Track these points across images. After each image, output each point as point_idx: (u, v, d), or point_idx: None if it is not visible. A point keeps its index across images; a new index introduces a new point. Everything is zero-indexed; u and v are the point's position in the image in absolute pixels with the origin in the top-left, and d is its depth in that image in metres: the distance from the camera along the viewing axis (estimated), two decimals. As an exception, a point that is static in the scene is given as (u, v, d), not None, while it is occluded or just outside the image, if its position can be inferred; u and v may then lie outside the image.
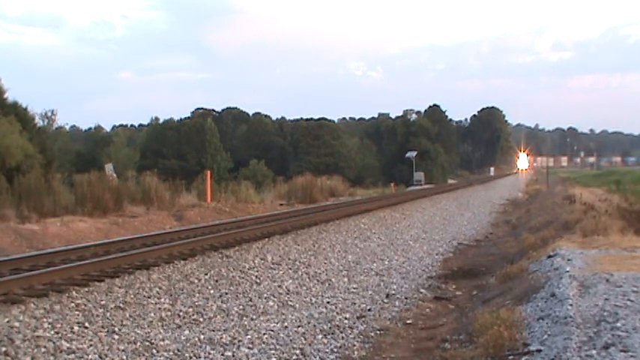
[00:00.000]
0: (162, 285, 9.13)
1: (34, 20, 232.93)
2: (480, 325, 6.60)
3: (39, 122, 41.33)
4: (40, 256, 10.48)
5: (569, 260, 9.37)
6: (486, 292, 9.94)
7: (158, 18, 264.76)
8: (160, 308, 8.10)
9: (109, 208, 19.02)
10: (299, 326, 7.84)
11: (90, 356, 6.23)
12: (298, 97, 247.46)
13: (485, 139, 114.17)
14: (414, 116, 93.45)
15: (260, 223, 16.29)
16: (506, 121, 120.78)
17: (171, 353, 6.57)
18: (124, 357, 6.36)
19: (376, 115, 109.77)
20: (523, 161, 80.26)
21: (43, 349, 6.20)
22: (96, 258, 10.20)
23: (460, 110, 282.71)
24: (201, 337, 7.17)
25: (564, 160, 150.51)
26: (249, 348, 6.90)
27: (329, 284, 10.55)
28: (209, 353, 6.68)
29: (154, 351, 6.58)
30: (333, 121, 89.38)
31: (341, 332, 7.74)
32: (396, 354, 7.11)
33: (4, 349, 6.08)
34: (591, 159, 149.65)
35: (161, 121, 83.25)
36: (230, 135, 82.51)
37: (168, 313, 7.95)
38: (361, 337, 7.65)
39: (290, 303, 9.09)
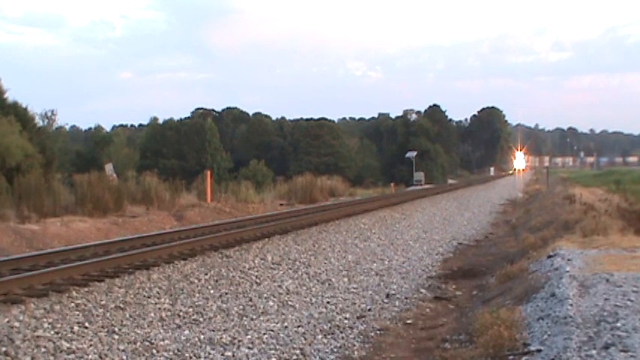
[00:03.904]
0: (162, 285, 9.13)
1: (33, 20, 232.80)
2: (479, 325, 6.60)
3: (39, 122, 41.41)
4: (40, 256, 10.48)
5: (569, 260, 9.37)
6: (486, 292, 9.95)
7: (158, 18, 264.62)
8: (160, 308, 8.10)
9: (109, 208, 19.02)
10: (299, 326, 7.84)
11: (90, 356, 6.23)
12: (298, 97, 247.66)
13: (485, 139, 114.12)
14: (414, 116, 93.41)
15: (260, 223, 16.29)
16: (506, 121, 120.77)
17: (171, 353, 6.57)
18: (124, 357, 6.36)
19: (376, 115, 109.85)
20: (520, 161, 79.55)
21: (43, 349, 6.20)
22: (96, 258, 10.20)
23: (460, 110, 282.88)
24: (201, 337, 7.17)
25: (546, 160, 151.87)
26: (249, 348, 6.90)
27: (329, 284, 10.55)
28: (209, 353, 6.68)
29: (154, 351, 6.58)
30: (333, 121, 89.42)
31: (341, 332, 7.74)
32: (396, 354, 7.11)
33: (4, 349, 6.07)
34: (570, 159, 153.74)
35: (161, 121, 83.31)
36: (230, 135, 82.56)
37: (168, 313, 7.95)
38: (361, 337, 7.65)
39: (290, 303, 9.09)
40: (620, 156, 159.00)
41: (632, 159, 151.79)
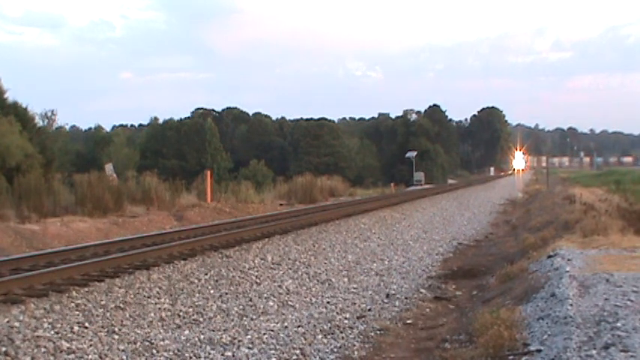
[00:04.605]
0: (162, 285, 9.13)
1: (33, 20, 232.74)
2: (479, 325, 6.60)
3: (39, 122, 41.46)
4: (40, 256, 10.48)
5: (569, 260, 9.37)
6: (486, 292, 9.94)
7: (158, 18, 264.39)
8: (160, 308, 8.10)
9: (109, 208, 19.03)
10: (299, 326, 7.84)
11: (90, 356, 6.23)
12: (298, 97, 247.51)
13: (485, 139, 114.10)
14: (414, 116, 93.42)
15: (260, 223, 16.29)
16: (506, 121, 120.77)
17: (171, 353, 6.57)
18: (124, 357, 6.36)
19: (376, 115, 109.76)
20: (519, 161, 78.98)
21: (43, 349, 6.20)
22: (96, 258, 10.20)
23: (460, 110, 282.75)
24: (201, 337, 7.17)
25: (543, 160, 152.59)
26: (249, 348, 6.91)
27: (329, 284, 10.55)
28: (209, 353, 6.68)
29: (154, 351, 6.58)
30: (333, 121, 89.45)
31: (341, 332, 7.74)
32: (396, 354, 7.11)
33: (4, 349, 6.08)
34: (566, 159, 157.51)
35: (161, 121, 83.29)
36: (230, 135, 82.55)
37: (168, 313, 7.95)
38: (361, 337, 7.65)
39: (290, 303, 9.09)
40: (615, 156, 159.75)
41: (627, 159, 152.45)
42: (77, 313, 7.45)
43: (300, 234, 15.03)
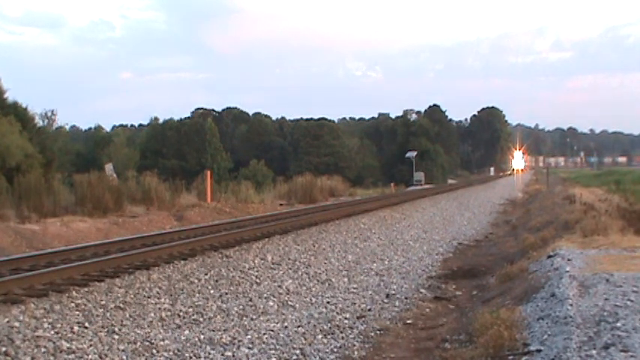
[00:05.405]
0: (162, 285, 9.13)
1: (33, 20, 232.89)
2: (479, 325, 6.60)
3: (39, 122, 41.43)
4: (40, 256, 10.48)
5: (569, 260, 9.36)
6: (486, 292, 9.94)
7: (158, 18, 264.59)
8: (160, 308, 8.10)
9: (109, 208, 19.04)
10: (299, 326, 7.84)
11: (90, 356, 6.23)
12: (298, 97, 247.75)
13: (485, 139, 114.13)
14: (414, 116, 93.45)
15: (260, 223, 16.30)
16: (506, 121, 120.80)
17: (171, 353, 6.57)
18: (124, 357, 6.36)
19: (376, 115, 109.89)
20: (519, 161, 78.61)
21: (43, 349, 6.20)
22: (96, 258, 10.21)
23: (460, 110, 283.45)
24: (201, 337, 7.17)
25: (541, 160, 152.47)
26: (249, 348, 6.90)
27: (329, 284, 10.55)
28: (209, 353, 6.68)
29: (154, 351, 6.58)
30: (333, 121, 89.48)
31: (341, 332, 7.74)
32: (396, 354, 7.10)
33: (4, 349, 6.08)
34: (562, 159, 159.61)
35: (161, 121, 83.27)
36: (230, 135, 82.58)
37: (168, 313, 7.95)
38: (361, 337, 7.65)
39: (290, 303, 9.09)
40: (611, 156, 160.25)
41: (622, 159, 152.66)
42: (77, 313, 7.45)
43: (300, 234, 15.03)
